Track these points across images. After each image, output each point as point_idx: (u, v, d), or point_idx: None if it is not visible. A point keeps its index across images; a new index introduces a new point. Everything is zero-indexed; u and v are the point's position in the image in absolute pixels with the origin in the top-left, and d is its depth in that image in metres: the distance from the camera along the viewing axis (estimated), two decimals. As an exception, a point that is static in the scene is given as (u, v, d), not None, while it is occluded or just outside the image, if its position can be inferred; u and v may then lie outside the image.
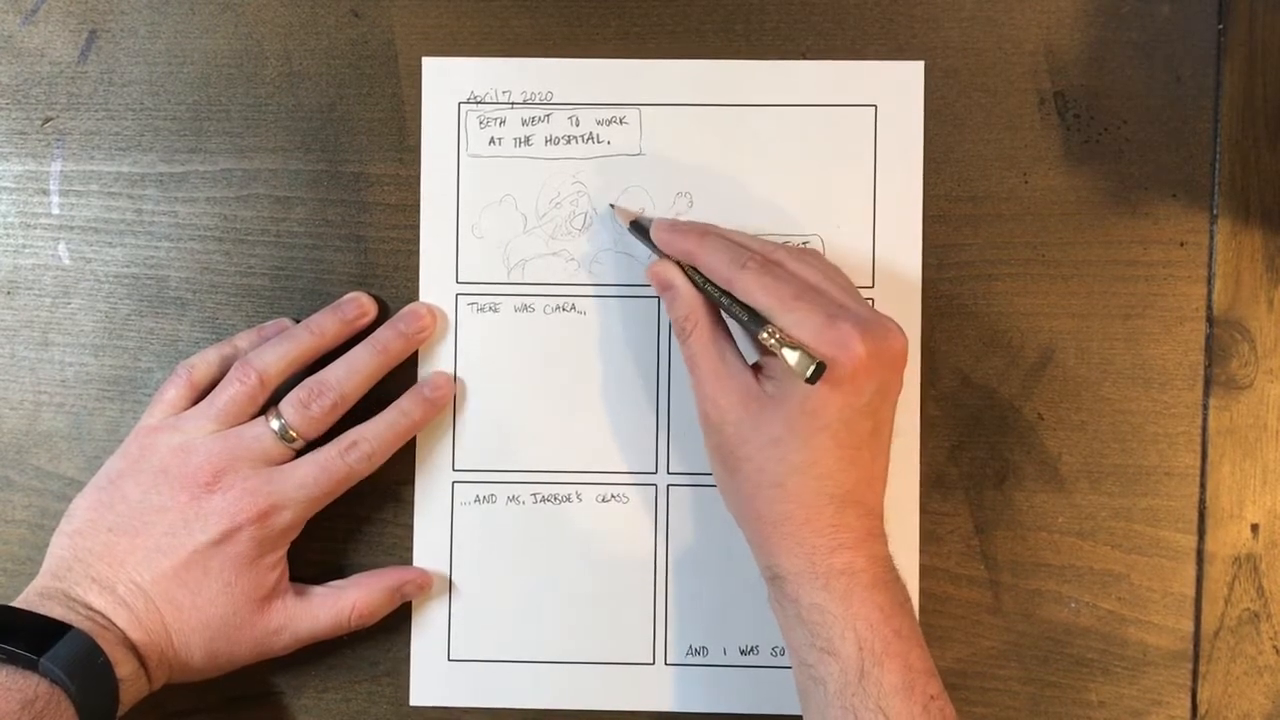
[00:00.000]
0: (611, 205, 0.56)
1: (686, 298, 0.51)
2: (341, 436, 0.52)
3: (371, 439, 0.53)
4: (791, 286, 0.48)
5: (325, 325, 0.54)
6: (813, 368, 0.46)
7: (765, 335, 0.47)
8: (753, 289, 0.49)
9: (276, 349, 0.53)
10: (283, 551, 0.52)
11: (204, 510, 0.50)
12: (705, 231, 0.52)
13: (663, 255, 0.53)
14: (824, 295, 0.49)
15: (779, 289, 0.48)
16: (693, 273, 0.51)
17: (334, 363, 0.53)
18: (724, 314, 0.51)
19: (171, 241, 0.57)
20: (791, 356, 0.47)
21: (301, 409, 0.52)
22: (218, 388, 0.52)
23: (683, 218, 0.56)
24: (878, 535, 0.49)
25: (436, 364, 0.56)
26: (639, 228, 0.54)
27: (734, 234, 0.53)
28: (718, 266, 0.50)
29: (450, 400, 0.56)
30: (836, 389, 0.47)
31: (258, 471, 0.51)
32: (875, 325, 0.48)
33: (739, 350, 0.51)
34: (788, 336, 0.47)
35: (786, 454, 0.48)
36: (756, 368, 0.50)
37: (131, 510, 0.51)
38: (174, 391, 0.53)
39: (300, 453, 0.52)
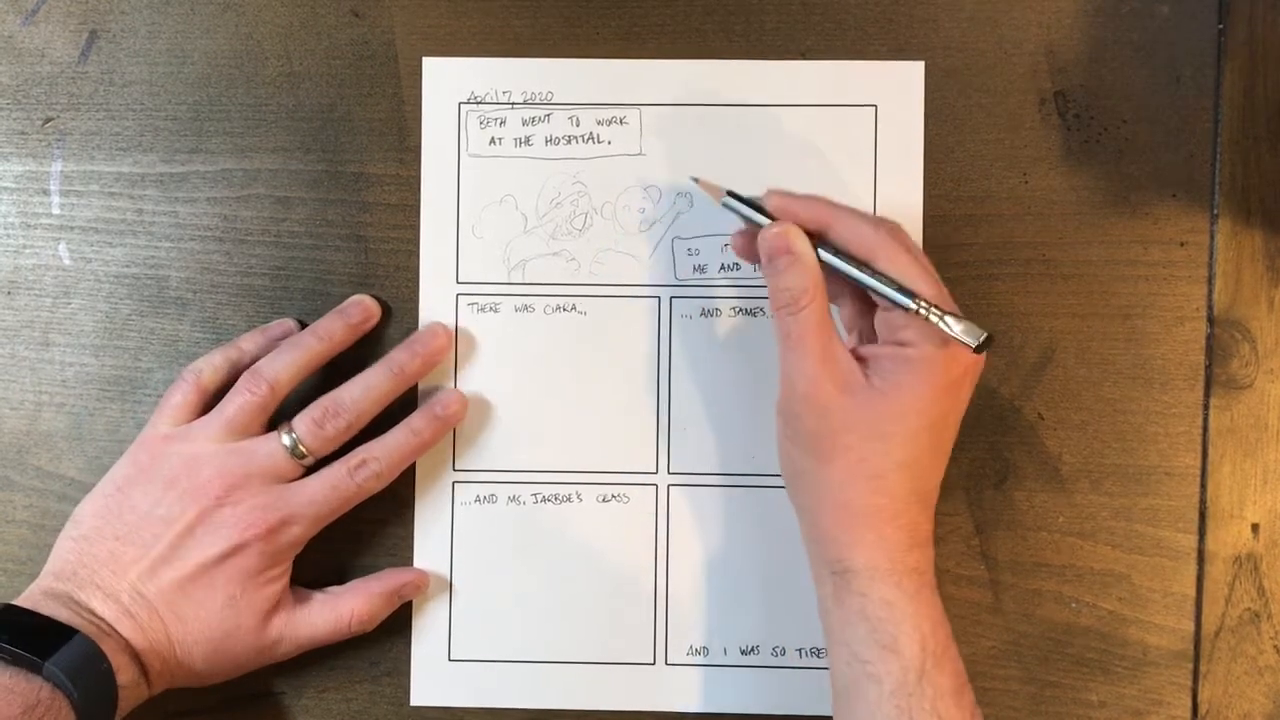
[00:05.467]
0: (695, 179, 0.53)
1: (810, 267, 0.48)
2: (351, 454, 0.52)
3: (381, 457, 0.52)
4: (925, 263, 0.48)
5: (332, 330, 0.54)
6: (984, 336, 0.46)
7: (921, 309, 0.46)
8: (901, 259, 0.47)
9: (286, 357, 0.53)
10: (287, 564, 0.52)
11: (213, 524, 0.50)
12: (831, 200, 0.50)
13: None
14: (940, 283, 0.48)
15: (923, 263, 0.48)
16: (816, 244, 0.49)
17: (349, 382, 0.53)
18: (845, 287, 0.50)
19: (172, 241, 0.57)
20: (957, 326, 0.46)
21: (315, 428, 0.52)
22: (227, 397, 0.52)
23: (682, 217, 0.56)
24: (932, 539, 0.49)
25: (437, 365, 0.56)
26: (736, 197, 0.51)
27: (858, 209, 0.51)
28: (860, 232, 0.48)
29: (462, 419, 0.55)
30: (949, 389, 0.47)
31: (268, 488, 0.51)
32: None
33: (840, 335, 0.49)
34: (942, 308, 0.46)
35: (892, 449, 0.47)
36: (857, 358, 0.49)
37: (139, 520, 0.50)
38: (180, 396, 0.52)
39: (309, 468, 0.52)
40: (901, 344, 0.48)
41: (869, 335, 0.50)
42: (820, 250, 0.49)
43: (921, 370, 0.47)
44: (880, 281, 0.47)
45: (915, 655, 0.46)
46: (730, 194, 0.51)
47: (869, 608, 0.47)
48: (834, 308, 0.51)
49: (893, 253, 0.48)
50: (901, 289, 0.47)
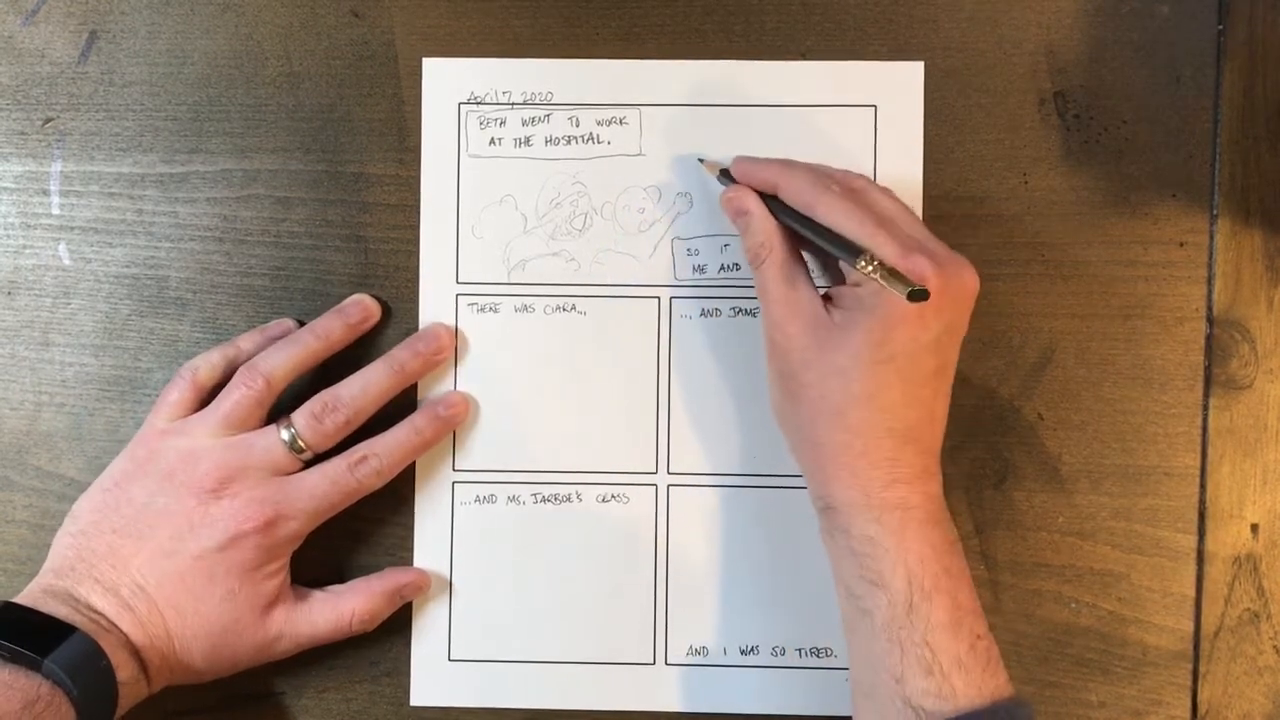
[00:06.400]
0: (700, 160, 0.55)
1: (762, 224, 0.51)
2: (352, 450, 0.52)
3: (382, 454, 0.52)
4: (872, 214, 0.49)
5: (330, 329, 0.54)
6: (914, 287, 0.46)
7: (862, 263, 0.47)
8: (835, 212, 0.49)
9: (282, 353, 0.53)
10: (285, 559, 0.52)
11: (210, 516, 0.50)
12: (788, 162, 0.53)
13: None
14: (899, 228, 0.49)
15: (860, 215, 0.49)
16: (771, 202, 0.52)
17: (349, 378, 0.53)
18: (806, 243, 0.52)
19: (171, 242, 0.57)
20: (889, 278, 0.46)
21: (314, 422, 0.52)
22: (223, 392, 0.52)
23: (682, 217, 0.56)
24: (933, 474, 0.50)
25: (439, 365, 0.56)
26: (728, 174, 0.54)
27: (815, 165, 0.53)
28: (801, 190, 0.50)
29: (464, 419, 0.56)
30: (904, 322, 0.47)
31: (266, 481, 0.51)
32: (949, 262, 0.49)
33: (810, 279, 0.51)
34: (884, 264, 0.47)
35: (849, 383, 0.48)
36: (827, 298, 0.51)
37: (137, 513, 0.50)
38: (177, 394, 0.53)
39: (308, 463, 0.52)
40: (856, 283, 0.49)
41: (840, 278, 0.52)
42: (772, 208, 0.52)
43: (874, 305, 0.48)
44: (817, 233, 0.49)
45: (901, 589, 0.47)
46: (722, 171, 0.54)
47: (853, 544, 0.48)
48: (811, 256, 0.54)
49: (829, 202, 0.49)
50: (843, 243, 0.48)
